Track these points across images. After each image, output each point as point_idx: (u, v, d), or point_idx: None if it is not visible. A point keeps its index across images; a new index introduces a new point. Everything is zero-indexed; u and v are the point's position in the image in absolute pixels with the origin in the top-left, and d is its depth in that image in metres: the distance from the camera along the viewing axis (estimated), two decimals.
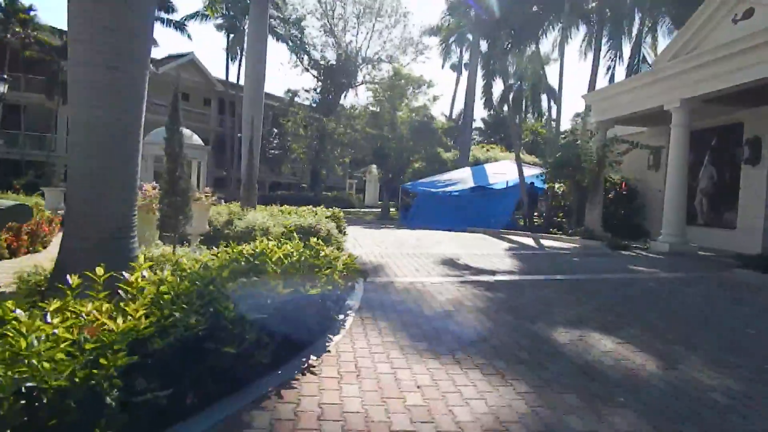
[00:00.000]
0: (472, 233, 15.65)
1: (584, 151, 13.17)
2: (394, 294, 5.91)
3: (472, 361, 3.76)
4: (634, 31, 21.99)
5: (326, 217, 10.53)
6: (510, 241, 13.02)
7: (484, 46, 28.79)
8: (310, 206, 12.26)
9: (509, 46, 17.00)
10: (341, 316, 4.81)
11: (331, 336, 4.17)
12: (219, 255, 4.13)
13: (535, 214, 17.19)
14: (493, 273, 7.44)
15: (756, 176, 10.87)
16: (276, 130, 37.73)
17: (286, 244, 4.77)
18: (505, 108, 51.75)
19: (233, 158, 35.23)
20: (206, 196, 8.67)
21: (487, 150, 38.45)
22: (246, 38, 14.31)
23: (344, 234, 11.10)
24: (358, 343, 4.08)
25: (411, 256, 9.01)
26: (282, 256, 4.32)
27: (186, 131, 23.33)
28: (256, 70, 11.46)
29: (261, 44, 11.45)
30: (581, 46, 24.23)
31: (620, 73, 22.00)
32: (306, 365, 3.48)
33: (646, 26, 22.32)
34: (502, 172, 18.82)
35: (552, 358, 3.92)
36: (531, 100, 49.53)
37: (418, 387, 3.25)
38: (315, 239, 5.35)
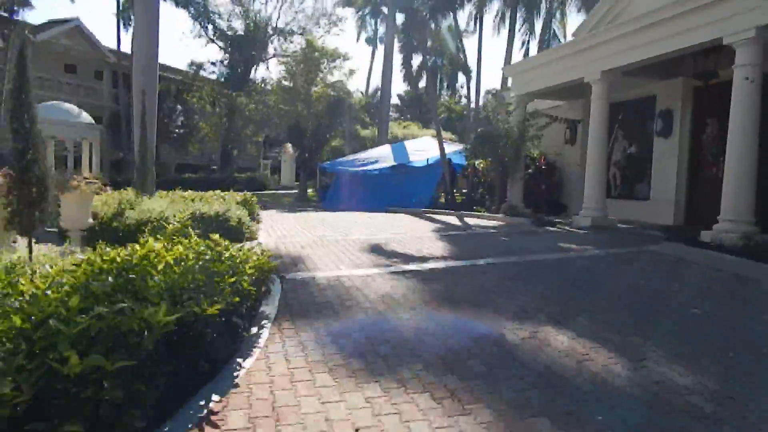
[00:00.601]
0: (394, 213, 15.09)
1: (505, 125, 12.96)
2: (317, 293, 5.09)
3: (419, 381, 3.07)
4: (544, 8, 22.35)
5: (237, 203, 9.42)
6: (434, 221, 12.59)
7: (400, 18, 28.13)
8: (219, 191, 11.00)
9: (426, 15, 16.39)
10: (254, 330, 3.94)
11: (240, 361, 3.28)
12: (81, 265, 3.07)
13: (455, 191, 16.96)
14: (424, 260, 6.83)
15: (668, 148, 11.17)
16: (180, 107, 34.80)
17: (178, 245, 3.78)
18: (422, 83, 51.76)
19: (131, 138, 32.01)
20: (87, 182, 7.26)
21: (405, 127, 38.20)
22: None
23: (258, 222, 10.04)
24: (276, 368, 3.24)
25: (334, 244, 8.21)
26: (171, 263, 3.34)
27: (70, 107, 20.62)
28: (148, 32, 9.90)
29: (152, 3, 9.87)
30: (494, 21, 24.36)
31: (534, 49, 22.32)
32: (205, 413, 2.60)
33: (556, 1, 22.73)
34: (423, 149, 18.39)
35: (508, 366, 3.33)
36: (448, 76, 49.87)
37: (357, 431, 2.50)
38: (218, 236, 4.36)
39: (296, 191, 26.03)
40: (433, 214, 14.59)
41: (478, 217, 13.05)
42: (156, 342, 2.37)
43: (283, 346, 3.65)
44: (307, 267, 6.36)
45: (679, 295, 5.17)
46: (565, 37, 24.83)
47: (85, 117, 24.54)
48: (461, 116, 63.66)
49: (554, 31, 24.22)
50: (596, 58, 10.18)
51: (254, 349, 3.52)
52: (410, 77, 18.87)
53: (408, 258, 6.96)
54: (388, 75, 24.69)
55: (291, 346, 3.65)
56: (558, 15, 23.47)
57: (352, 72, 26.22)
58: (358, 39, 47.68)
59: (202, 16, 34.05)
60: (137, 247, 3.42)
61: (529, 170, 13.97)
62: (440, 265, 6.47)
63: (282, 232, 9.82)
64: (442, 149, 15.81)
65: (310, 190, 25.30)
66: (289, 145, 31.16)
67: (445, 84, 53.51)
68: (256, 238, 8.71)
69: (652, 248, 7.30)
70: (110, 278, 2.75)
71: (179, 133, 34.37)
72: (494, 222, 11.93)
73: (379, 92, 41.19)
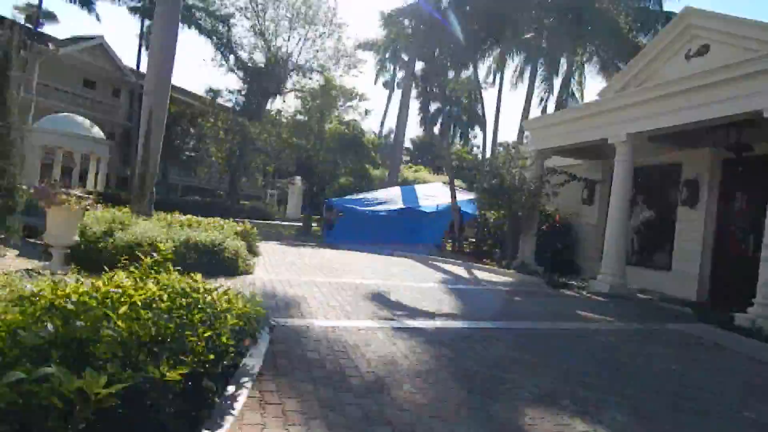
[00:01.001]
0: (400, 258, 14.49)
1: (521, 179, 12.52)
2: (310, 347, 4.47)
3: None
4: (564, 67, 22.36)
5: (235, 233, 8.89)
6: (441, 270, 11.97)
7: (419, 65, 28.39)
8: (218, 218, 10.50)
9: (448, 64, 16.30)
10: (231, 389, 3.30)
11: None
12: (25, 308, 2.49)
13: (464, 240, 16.40)
14: (431, 316, 6.21)
15: (693, 218, 10.64)
16: (193, 131, 34.85)
17: (153, 282, 3.21)
18: (436, 130, 52.03)
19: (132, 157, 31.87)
20: (78, 197, 6.77)
21: (416, 171, 38.09)
22: (154, 15, 12.34)
23: (256, 255, 9.48)
24: None
25: (334, 288, 7.60)
26: (139, 305, 2.77)
27: (82, 120, 20.50)
28: (163, 54, 9.65)
29: (170, 24, 9.67)
30: (513, 76, 24.41)
31: (551, 107, 22.21)
32: None
33: (576, 64, 22.79)
34: (433, 194, 17.98)
35: None
36: (462, 125, 50.27)
37: None
38: (200, 276, 3.77)
39: (301, 224, 25.56)
40: (439, 261, 13.98)
41: (488, 270, 12.42)
42: (89, 421, 1.77)
43: (261, 416, 3.02)
44: (301, 313, 5.74)
45: (726, 392, 4.50)
46: (582, 98, 24.82)
47: (96, 131, 24.43)
48: (473, 166, 64.04)
49: (572, 91, 24.23)
50: (623, 120, 9.80)
51: (226, 420, 2.88)
52: (425, 123, 18.62)
53: (413, 312, 6.34)
54: (403, 119, 24.63)
55: (271, 418, 3.02)
56: (576, 76, 23.50)
57: (367, 112, 26.41)
58: (376, 81, 48.17)
59: (225, 46, 34.59)
60: (99, 282, 2.85)
61: (543, 227, 13.43)
62: (449, 324, 5.84)
63: (280, 268, 9.24)
64: (453, 196, 15.35)
65: (314, 225, 24.81)
66: (298, 178, 30.92)
67: (459, 132, 53.91)
68: (251, 273, 8.14)
69: (682, 328, 6.65)
70: (50, 325, 2.16)
71: (190, 156, 34.28)
72: (505, 278, 11.30)
73: (392, 134, 41.37)
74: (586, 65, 23.64)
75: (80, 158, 25.42)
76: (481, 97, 17.60)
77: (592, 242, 13.59)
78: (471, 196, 17.65)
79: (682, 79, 8.29)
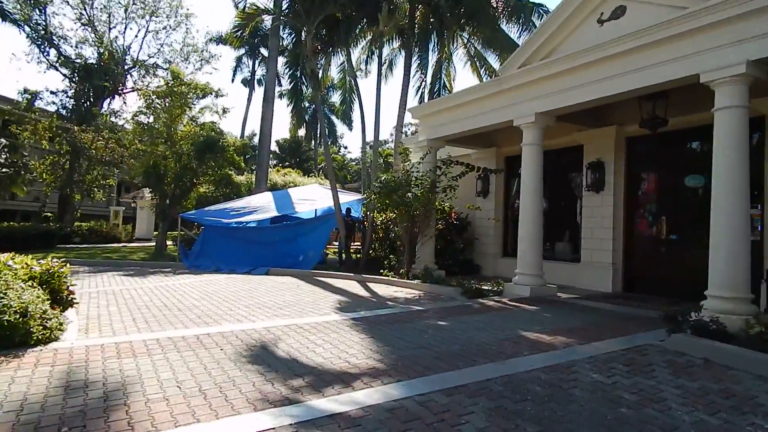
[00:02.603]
0: (279, 277, 12.09)
1: (418, 174, 10.92)
2: None
3: None
4: (436, 55, 21.48)
5: (27, 279, 5.91)
6: (334, 289, 9.87)
7: (281, 61, 25.80)
8: (12, 254, 7.21)
9: (318, 47, 14.21)
10: None
11: None
12: None
13: (350, 249, 14.45)
14: (344, 382, 4.10)
15: (600, 204, 9.88)
16: (5, 141, 28.32)
17: None
18: (301, 131, 49.43)
19: None
20: None
21: (285, 174, 35.34)
22: None
23: (70, 305, 6.49)
24: None
25: (192, 347, 5.13)
26: None
27: None
28: None
29: None
30: (385, 65, 23.03)
31: (426, 99, 21.23)
32: None
33: (445, 53, 22.07)
34: (310, 197, 15.69)
35: None
36: (330, 125, 48.25)
37: None
38: None
39: (153, 245, 21.65)
40: (327, 277, 11.86)
41: (387, 283, 10.60)
42: None
43: None
44: (131, 414, 3.27)
45: None
46: (451, 89, 24.27)
47: None
48: (342, 165, 62.54)
49: (444, 82, 23.56)
50: (530, 98, 8.61)
51: None
52: (297, 120, 16.38)
53: (320, 377, 4.17)
54: (268, 116, 21.94)
55: None
56: (446, 65, 22.78)
57: (225, 111, 23.06)
58: (233, 79, 44.42)
59: (43, 39, 28.69)
60: None
61: (439, 225, 11.99)
62: (377, 397, 3.78)
63: (110, 322, 6.39)
64: (336, 198, 13.30)
65: (170, 243, 21.12)
66: (146, 190, 26.53)
67: (326, 132, 52.02)
68: (57, 339, 5.29)
69: (660, 343, 5.36)
70: None
71: (2, 172, 27.72)
72: (410, 291, 9.56)
73: (256, 137, 38.10)
74: (453, 55, 23.20)
75: None
76: (357, 88, 15.77)
77: (491, 238, 12.52)
78: (354, 197, 15.78)
79: (604, 44, 7.18)
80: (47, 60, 29.55)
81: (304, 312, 7.21)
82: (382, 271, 11.45)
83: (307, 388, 3.92)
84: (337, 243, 15.52)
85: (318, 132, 51.94)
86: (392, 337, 5.66)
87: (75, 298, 6.59)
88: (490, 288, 8.94)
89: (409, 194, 10.63)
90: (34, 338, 5.03)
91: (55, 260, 6.52)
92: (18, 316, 4.95)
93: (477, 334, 5.81)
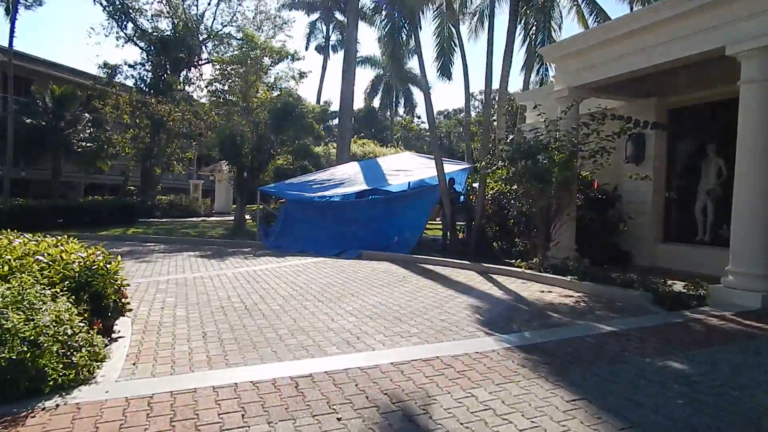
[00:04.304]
0: (375, 262, 10.06)
1: (556, 134, 8.32)
2: None
3: None
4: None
5: (59, 280, 4.10)
6: (454, 285, 7.64)
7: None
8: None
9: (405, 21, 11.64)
10: None
11: None
12: None
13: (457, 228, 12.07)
14: None
15: None
16: (89, 116, 28.34)
17: None
18: (376, 102, 47.29)
19: (17, 153, 25.18)
20: None
21: (362, 144, 33.31)
22: None
23: (116, 315, 4.66)
24: None
25: (286, 401, 3.16)
26: None
27: None
28: None
29: None
30: (475, 17, 19.94)
31: (518, 63, 18.07)
32: None
33: None
34: (405, 168, 13.40)
35: None
36: (405, 91, 45.79)
37: None
38: None
39: (232, 219, 20.53)
40: (435, 264, 9.66)
41: (518, 276, 8.21)
42: None
43: None
44: None
45: None
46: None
47: None
48: (418, 135, 59.77)
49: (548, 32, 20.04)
50: (762, 10, 5.71)
51: None
52: (400, 72, 14.09)
53: None
54: (350, 77, 19.78)
55: None
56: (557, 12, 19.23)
57: (302, 75, 21.18)
58: (307, 47, 42.58)
59: (120, 12, 28.07)
60: None
61: (578, 200, 9.34)
62: None
63: (172, 340, 4.54)
64: (440, 168, 10.95)
65: (248, 218, 19.81)
66: (224, 163, 25.56)
67: (402, 101, 49.39)
68: (86, 380, 3.45)
69: None
70: None
71: (87, 147, 27.80)
72: (563, 291, 7.10)
73: (332, 106, 36.24)
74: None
75: None
76: (459, 34, 13.15)
77: (647, 217, 9.69)
78: (457, 166, 13.34)
79: None
80: (125, 34, 29.03)
81: (435, 327, 5.03)
82: (513, 261, 8.97)
83: None
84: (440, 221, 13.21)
85: (393, 101, 49.68)
86: (616, 399, 3.31)
87: (128, 303, 4.80)
88: (684, 291, 6.30)
89: (546, 160, 8.09)
90: (51, 382, 3.20)
91: (100, 252, 4.71)
92: (25, 351, 3.11)
93: (750, 402, 3.33)
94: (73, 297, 4.09)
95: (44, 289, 3.79)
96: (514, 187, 9.09)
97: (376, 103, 51.22)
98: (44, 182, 28.02)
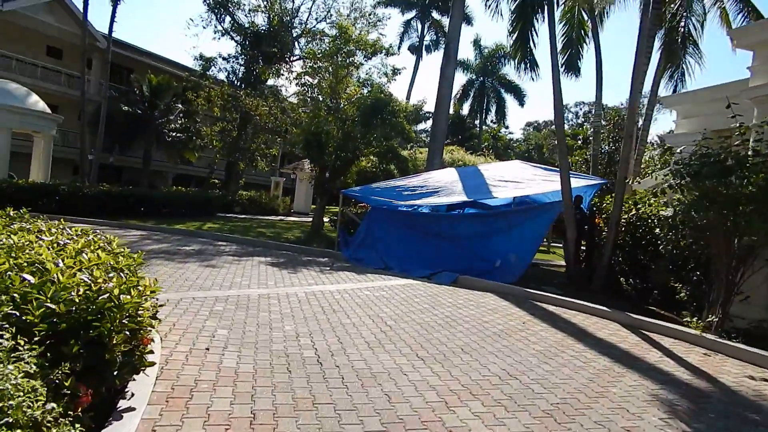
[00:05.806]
0: (476, 294, 8.08)
1: (753, 144, 5.94)
2: None
3: None
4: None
5: (34, 331, 2.46)
6: (595, 343, 5.55)
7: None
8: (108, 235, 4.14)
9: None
10: None
11: None
12: None
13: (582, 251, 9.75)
14: None
15: None
16: (181, 107, 28.66)
17: None
18: (466, 108, 44.87)
19: (112, 139, 25.77)
20: None
21: (451, 151, 31.27)
22: None
23: (136, 363, 3.07)
24: None
25: None
26: None
27: (16, 87, 14.26)
28: None
29: None
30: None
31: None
32: None
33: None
34: (513, 179, 11.23)
35: None
36: (497, 96, 43.10)
37: None
38: None
39: (310, 221, 19.37)
40: (555, 304, 7.50)
41: (685, 337, 5.90)
42: None
43: None
44: None
45: None
46: (696, 43, 17.32)
47: (37, 103, 18.20)
48: (507, 145, 56.60)
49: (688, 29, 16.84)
50: None
51: None
52: (525, 54, 11.97)
53: None
54: (448, 74, 17.85)
55: None
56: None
57: (396, 71, 19.61)
58: (400, 46, 41.02)
59: (220, 6, 28.08)
60: None
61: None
62: None
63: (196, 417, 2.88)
64: (566, 182, 8.77)
65: (327, 221, 18.51)
66: (306, 162, 24.63)
67: (492, 108, 46.64)
68: None
69: None
70: None
71: (177, 138, 28.07)
72: None
73: (425, 106, 34.50)
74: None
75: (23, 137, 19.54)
76: (594, 21, 10.90)
77: None
78: (583, 182, 11.01)
79: None
80: (222, 27, 29.02)
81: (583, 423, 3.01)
82: (681, 314, 6.64)
83: None
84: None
85: (484, 107, 47.02)
86: None
87: (148, 353, 3.22)
88: None
89: (740, 180, 5.74)
90: None
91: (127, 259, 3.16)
92: None
93: None
94: (62, 347, 2.56)
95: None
96: (692, 213, 6.71)
97: (465, 109, 48.85)
98: (135, 170, 28.61)
